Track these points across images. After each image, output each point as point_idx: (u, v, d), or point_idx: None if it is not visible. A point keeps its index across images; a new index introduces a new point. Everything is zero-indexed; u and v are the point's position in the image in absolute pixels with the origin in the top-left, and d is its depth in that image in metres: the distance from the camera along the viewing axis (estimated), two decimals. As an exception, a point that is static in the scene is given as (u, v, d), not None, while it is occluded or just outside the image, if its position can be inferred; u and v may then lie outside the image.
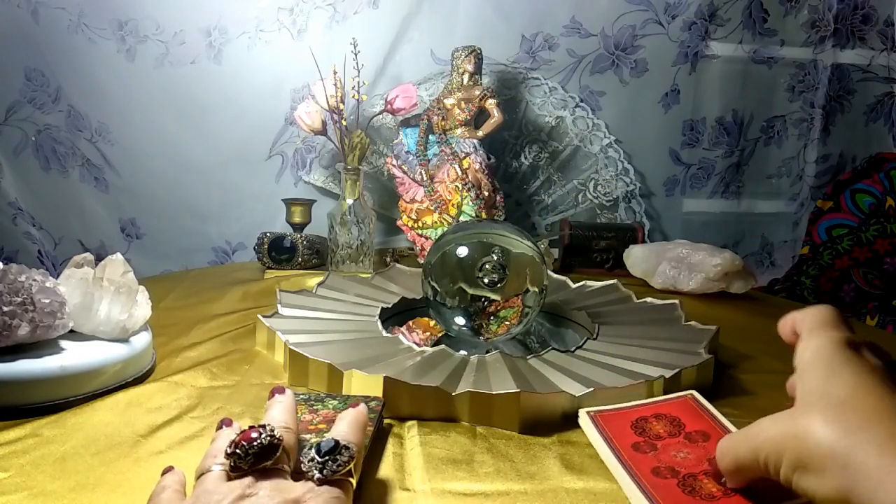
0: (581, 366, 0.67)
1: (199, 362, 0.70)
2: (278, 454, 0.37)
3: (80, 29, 1.38)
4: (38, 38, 1.37)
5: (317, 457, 0.37)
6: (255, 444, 0.37)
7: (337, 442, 0.38)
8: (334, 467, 0.37)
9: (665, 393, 0.62)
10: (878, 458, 0.29)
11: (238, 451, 0.36)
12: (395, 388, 0.58)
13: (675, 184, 1.53)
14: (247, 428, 0.38)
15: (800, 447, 0.33)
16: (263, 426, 0.38)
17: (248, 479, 0.36)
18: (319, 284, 0.94)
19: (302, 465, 0.38)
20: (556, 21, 1.44)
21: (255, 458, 0.36)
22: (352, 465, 0.38)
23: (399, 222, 1.32)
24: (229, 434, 0.39)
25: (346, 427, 0.41)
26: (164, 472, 0.41)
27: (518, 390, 0.57)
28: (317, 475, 0.37)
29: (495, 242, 0.76)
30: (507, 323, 0.77)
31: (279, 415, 0.42)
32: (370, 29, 1.40)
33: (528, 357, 0.69)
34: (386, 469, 0.50)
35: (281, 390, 0.45)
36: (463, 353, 0.70)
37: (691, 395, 0.58)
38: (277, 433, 0.38)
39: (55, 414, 0.56)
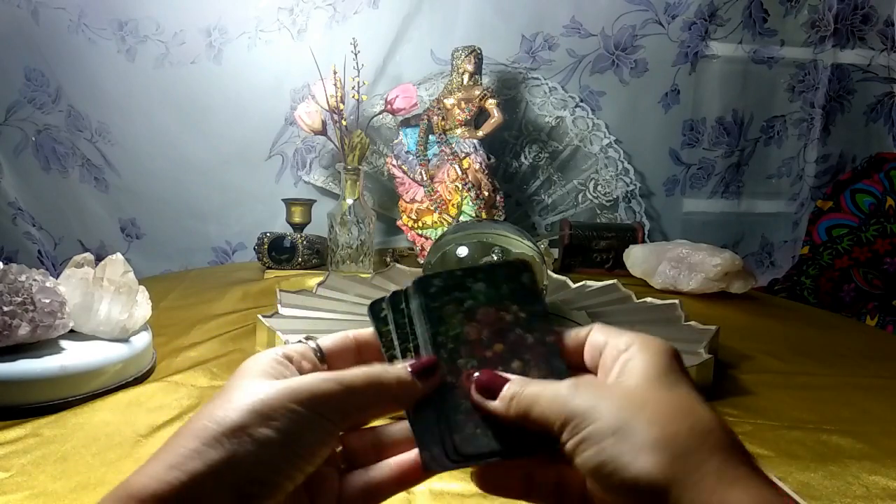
0: (581, 366, 0.67)
1: (199, 362, 0.70)
2: None
3: (80, 29, 1.38)
4: (38, 38, 1.37)
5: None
6: None
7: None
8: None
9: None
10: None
11: None
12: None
13: (675, 184, 1.53)
14: None
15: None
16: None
17: None
18: (319, 284, 0.94)
19: None
20: (556, 21, 1.44)
21: None
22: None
23: (399, 222, 1.32)
24: None
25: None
26: None
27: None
28: None
29: (495, 242, 0.76)
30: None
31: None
32: (370, 29, 1.40)
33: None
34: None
35: None
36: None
37: None
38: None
39: (55, 414, 0.56)
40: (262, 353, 0.31)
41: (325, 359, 0.32)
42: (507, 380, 0.29)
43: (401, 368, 0.30)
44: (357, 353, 0.33)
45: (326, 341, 0.33)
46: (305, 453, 0.26)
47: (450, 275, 0.32)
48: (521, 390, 0.28)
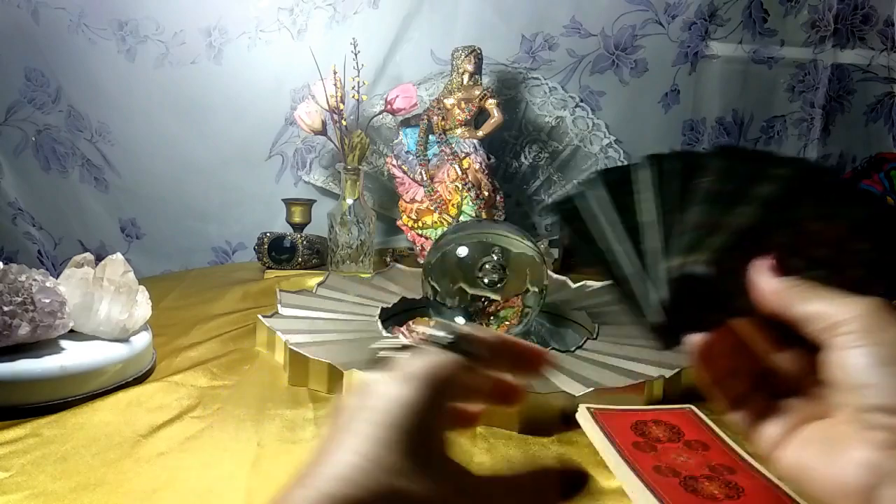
0: (581, 366, 0.67)
1: (199, 362, 0.71)
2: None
3: (80, 29, 1.38)
4: (38, 38, 1.37)
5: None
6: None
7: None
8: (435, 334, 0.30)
9: (665, 393, 0.62)
10: None
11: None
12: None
13: (675, 184, 1.53)
14: None
15: None
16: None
17: None
18: (319, 284, 0.94)
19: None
20: (556, 21, 1.44)
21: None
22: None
23: (399, 222, 1.32)
24: None
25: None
26: None
27: (518, 390, 0.57)
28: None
29: (495, 242, 0.76)
30: (507, 323, 0.77)
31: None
32: (370, 29, 1.40)
33: (528, 357, 0.69)
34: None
35: None
36: (463, 353, 0.70)
37: (690, 408, 0.58)
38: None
39: (55, 414, 0.56)
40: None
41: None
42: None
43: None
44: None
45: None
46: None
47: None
48: (805, 283, 0.28)
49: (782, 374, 0.31)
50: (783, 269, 0.29)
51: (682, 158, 0.32)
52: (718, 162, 0.31)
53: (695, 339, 0.31)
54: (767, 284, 0.29)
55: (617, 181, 0.32)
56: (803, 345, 0.29)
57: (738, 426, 0.31)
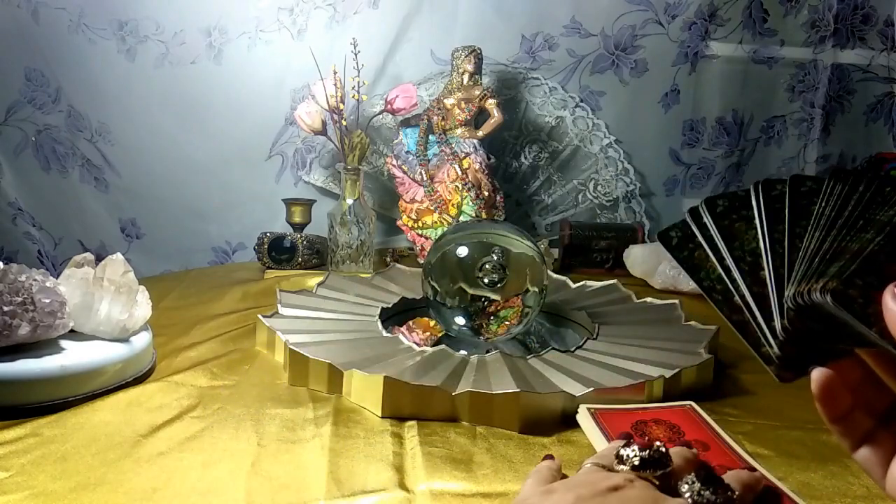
0: (581, 366, 0.67)
1: (199, 362, 0.71)
2: (665, 469, 0.36)
3: (80, 29, 1.38)
4: (38, 38, 1.37)
5: (696, 481, 0.36)
6: (648, 449, 0.37)
7: (720, 478, 0.37)
8: (709, 496, 0.35)
9: (665, 393, 0.62)
10: None
11: (631, 450, 0.37)
12: (395, 388, 0.58)
13: (675, 184, 1.53)
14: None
15: None
16: (658, 444, 0.38)
17: (626, 474, 0.36)
18: (319, 284, 0.94)
19: (679, 486, 0.36)
20: (556, 21, 1.44)
21: (643, 461, 0.36)
22: None
23: (399, 222, 1.32)
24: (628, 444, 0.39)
25: (736, 479, 0.38)
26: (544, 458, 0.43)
27: (518, 390, 0.57)
28: (688, 496, 0.35)
29: (495, 242, 0.76)
30: (507, 323, 0.77)
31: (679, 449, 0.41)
32: (370, 29, 1.40)
33: (528, 357, 0.69)
34: (385, 469, 0.50)
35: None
36: (463, 353, 0.70)
37: (690, 405, 0.58)
38: (667, 450, 0.38)
39: (55, 414, 0.56)
40: None
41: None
42: None
43: None
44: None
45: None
46: None
47: None
48: None
49: None
50: None
51: (790, 184, 0.31)
52: (832, 187, 0.30)
53: (817, 372, 0.29)
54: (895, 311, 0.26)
55: (723, 209, 0.31)
56: None
57: (863, 466, 0.30)
